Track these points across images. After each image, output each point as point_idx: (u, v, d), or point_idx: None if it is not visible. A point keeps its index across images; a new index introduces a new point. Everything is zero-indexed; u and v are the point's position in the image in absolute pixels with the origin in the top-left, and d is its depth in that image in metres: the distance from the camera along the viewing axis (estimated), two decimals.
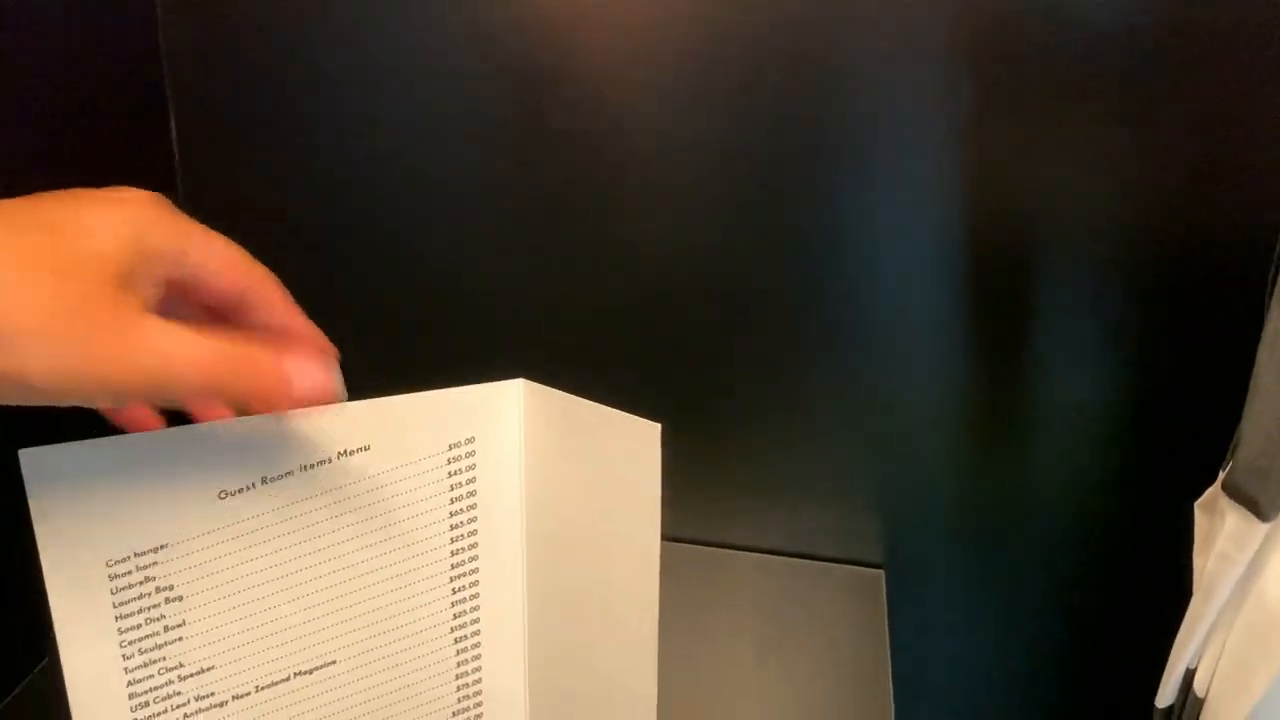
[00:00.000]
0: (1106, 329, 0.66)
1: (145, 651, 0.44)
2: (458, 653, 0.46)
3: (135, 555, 0.43)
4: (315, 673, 0.46)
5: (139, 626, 0.44)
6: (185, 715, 0.45)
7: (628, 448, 0.47)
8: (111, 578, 0.43)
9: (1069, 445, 0.69)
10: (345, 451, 0.43)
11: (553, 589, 0.46)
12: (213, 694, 0.45)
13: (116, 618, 0.43)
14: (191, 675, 0.45)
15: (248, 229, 0.42)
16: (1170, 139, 0.62)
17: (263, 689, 0.45)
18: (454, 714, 0.47)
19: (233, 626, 0.44)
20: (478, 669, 0.47)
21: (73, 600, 0.43)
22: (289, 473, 0.43)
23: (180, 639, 0.44)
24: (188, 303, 0.38)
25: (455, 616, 0.46)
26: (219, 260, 0.38)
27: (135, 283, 0.34)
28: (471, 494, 0.44)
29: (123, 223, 0.35)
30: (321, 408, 0.42)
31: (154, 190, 0.37)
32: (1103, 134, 0.63)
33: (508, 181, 0.71)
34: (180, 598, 0.44)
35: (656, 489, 0.41)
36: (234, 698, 0.45)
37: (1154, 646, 0.58)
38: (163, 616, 0.44)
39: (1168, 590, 0.59)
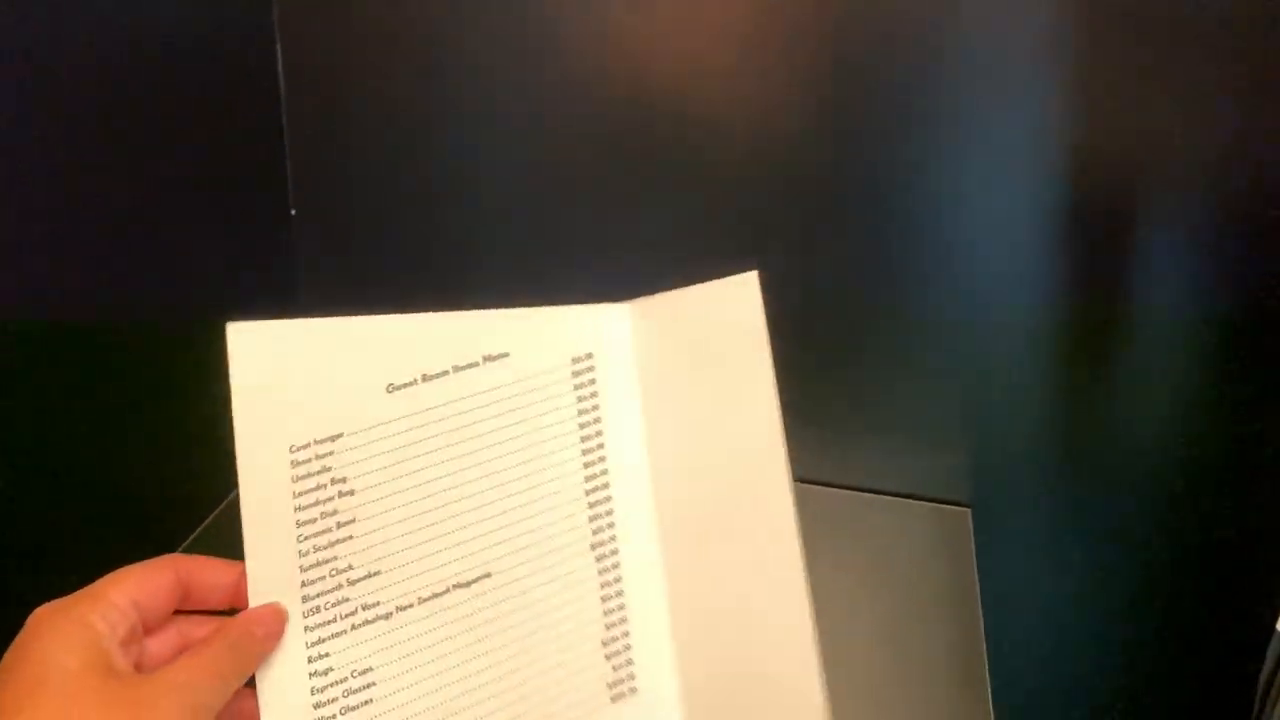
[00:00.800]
0: (1209, 273, 0.65)
1: (319, 550, 0.45)
2: (600, 573, 0.50)
3: (315, 442, 0.46)
4: (472, 585, 0.47)
5: (314, 521, 0.45)
6: (353, 626, 0.45)
7: (732, 321, 0.50)
8: (294, 464, 0.45)
9: (1164, 387, 0.68)
10: (489, 356, 0.50)
11: (682, 498, 0.50)
12: (378, 603, 0.46)
13: (295, 509, 0.45)
14: (359, 580, 0.46)
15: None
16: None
17: (424, 601, 0.46)
18: (605, 633, 0.49)
19: (397, 529, 0.47)
20: (618, 581, 0.50)
21: (259, 487, 0.44)
22: (444, 372, 0.49)
23: (350, 538, 0.46)
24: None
25: (594, 533, 0.50)
26: (142, 593, 0.40)
27: (110, 655, 0.37)
28: (596, 407, 0.52)
29: (56, 633, 0.37)
30: (462, 313, 0.50)
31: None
32: (1213, 78, 0.61)
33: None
34: (351, 492, 0.46)
35: (763, 337, 0.50)
36: (398, 609, 0.46)
37: (1258, 583, 0.61)
38: (335, 511, 0.46)
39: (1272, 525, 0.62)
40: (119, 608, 0.38)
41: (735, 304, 0.49)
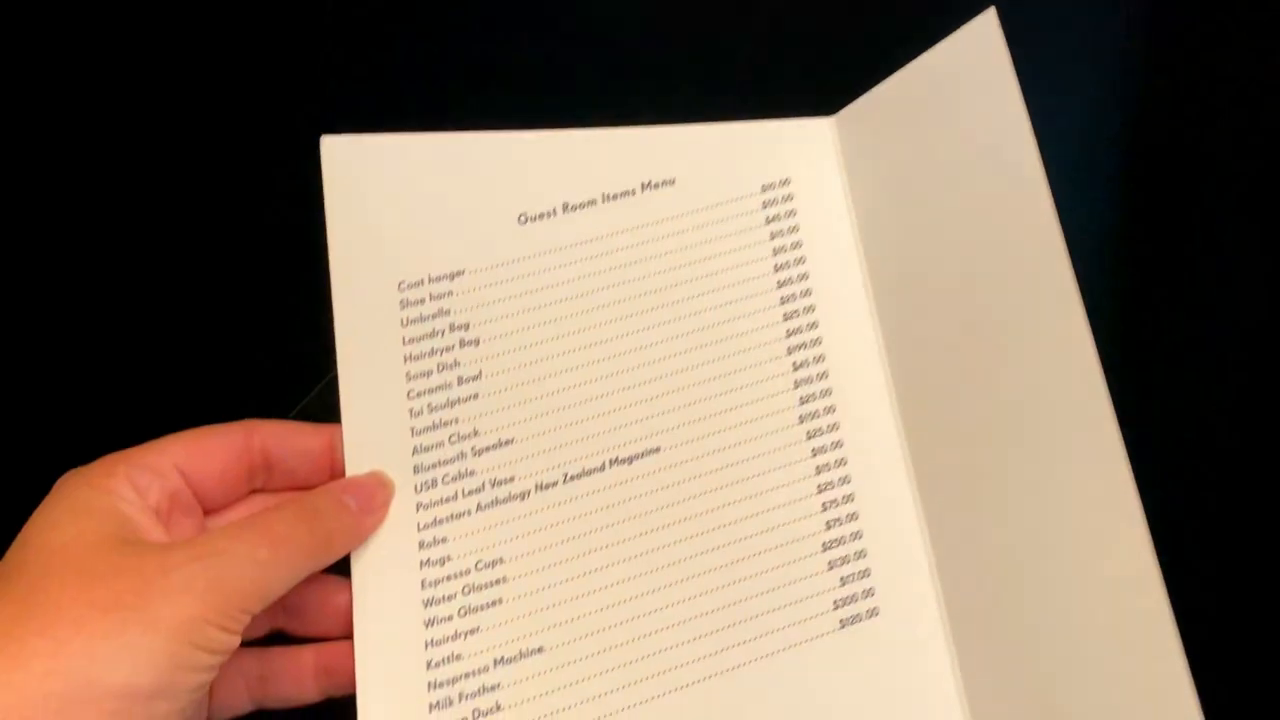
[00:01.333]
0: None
1: (435, 410, 0.35)
2: (814, 453, 0.36)
3: (430, 280, 0.36)
4: (635, 462, 0.36)
5: (429, 374, 0.35)
6: (478, 504, 0.34)
7: (972, 91, 0.35)
8: (403, 304, 0.36)
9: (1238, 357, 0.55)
10: (650, 184, 0.39)
11: (927, 357, 0.37)
12: (512, 479, 0.35)
13: (405, 358, 0.35)
14: (488, 449, 0.35)
15: None
16: None
17: (572, 479, 0.35)
18: (826, 533, 0.35)
19: (534, 388, 0.36)
20: (841, 465, 0.36)
21: (359, 327, 0.35)
22: (591, 201, 0.39)
23: (475, 397, 0.35)
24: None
25: (802, 402, 0.37)
26: (200, 452, 0.32)
27: (135, 524, 0.29)
28: (796, 245, 0.39)
29: (73, 499, 0.29)
30: (611, 130, 0.40)
31: None
32: None
33: None
34: (476, 341, 0.36)
35: (1019, 105, 0.35)
36: (538, 488, 0.35)
37: None
38: (456, 364, 0.36)
39: None
40: (155, 470, 0.30)
41: (972, 67, 0.35)
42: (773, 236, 0.38)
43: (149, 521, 0.29)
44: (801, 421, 0.36)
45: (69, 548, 0.27)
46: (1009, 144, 0.33)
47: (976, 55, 0.35)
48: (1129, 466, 0.30)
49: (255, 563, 0.28)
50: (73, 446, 0.32)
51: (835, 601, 0.34)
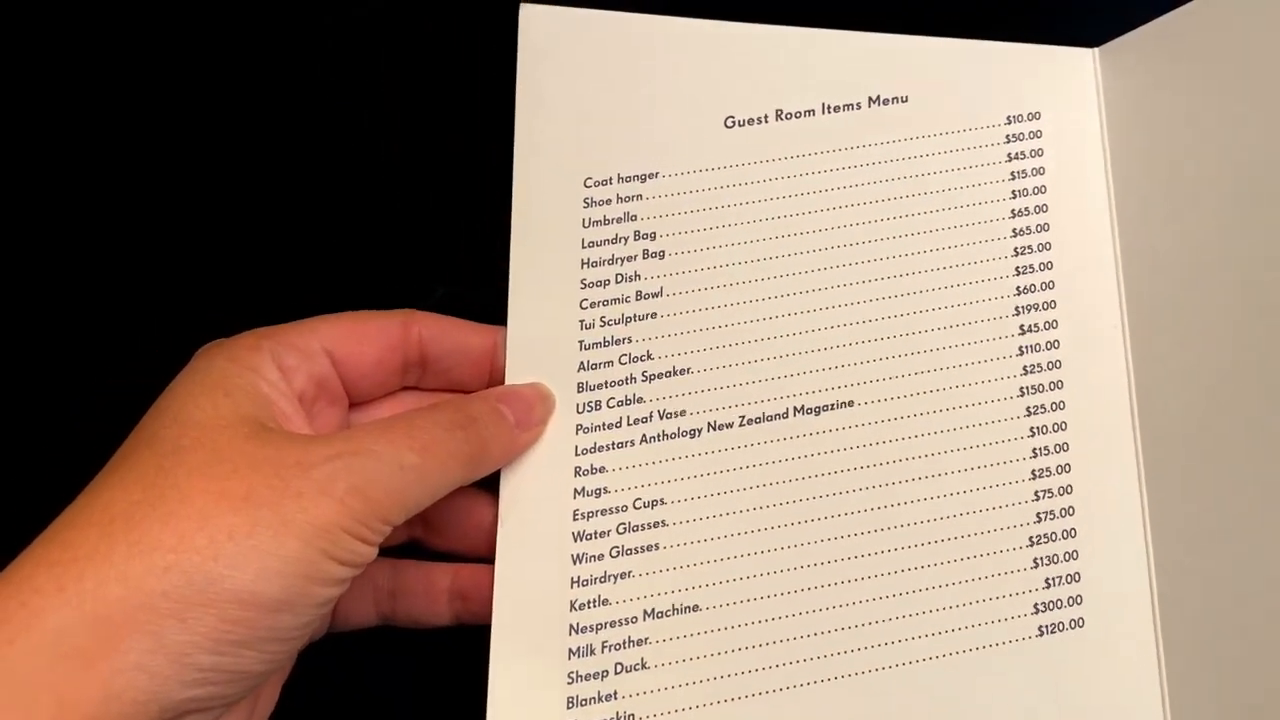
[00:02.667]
0: None
1: (609, 324, 0.31)
2: (1031, 433, 0.31)
3: (620, 179, 0.32)
4: (822, 414, 0.31)
5: (606, 284, 0.31)
6: (643, 436, 0.30)
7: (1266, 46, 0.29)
8: (587, 203, 0.32)
9: None
10: (878, 99, 0.34)
11: (1172, 332, 0.31)
12: (683, 413, 0.31)
13: (583, 263, 0.32)
14: (660, 376, 0.31)
15: None
16: None
17: (750, 423, 0.31)
18: (1034, 528, 0.30)
19: (720, 315, 0.31)
20: (1061, 450, 0.31)
21: (537, 222, 0.32)
22: (809, 111, 0.34)
23: (653, 315, 0.31)
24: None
25: (1025, 372, 0.32)
26: (355, 337, 0.29)
27: (276, 408, 0.26)
28: (1040, 189, 0.33)
29: (212, 373, 0.26)
30: (840, 33, 0.34)
31: None
32: None
33: None
34: (662, 254, 0.32)
35: None
36: (710, 427, 0.30)
37: None
38: (637, 275, 0.32)
39: None
40: (303, 351, 0.27)
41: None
42: (1013, 177, 0.33)
43: (291, 407, 0.26)
44: (1023, 395, 0.31)
45: (204, 427, 0.24)
46: None
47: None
48: None
49: (402, 468, 0.25)
50: (217, 320, 0.29)
51: (1037, 605, 0.29)
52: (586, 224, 0.32)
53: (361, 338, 0.28)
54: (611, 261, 0.32)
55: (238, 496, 0.23)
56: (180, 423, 0.24)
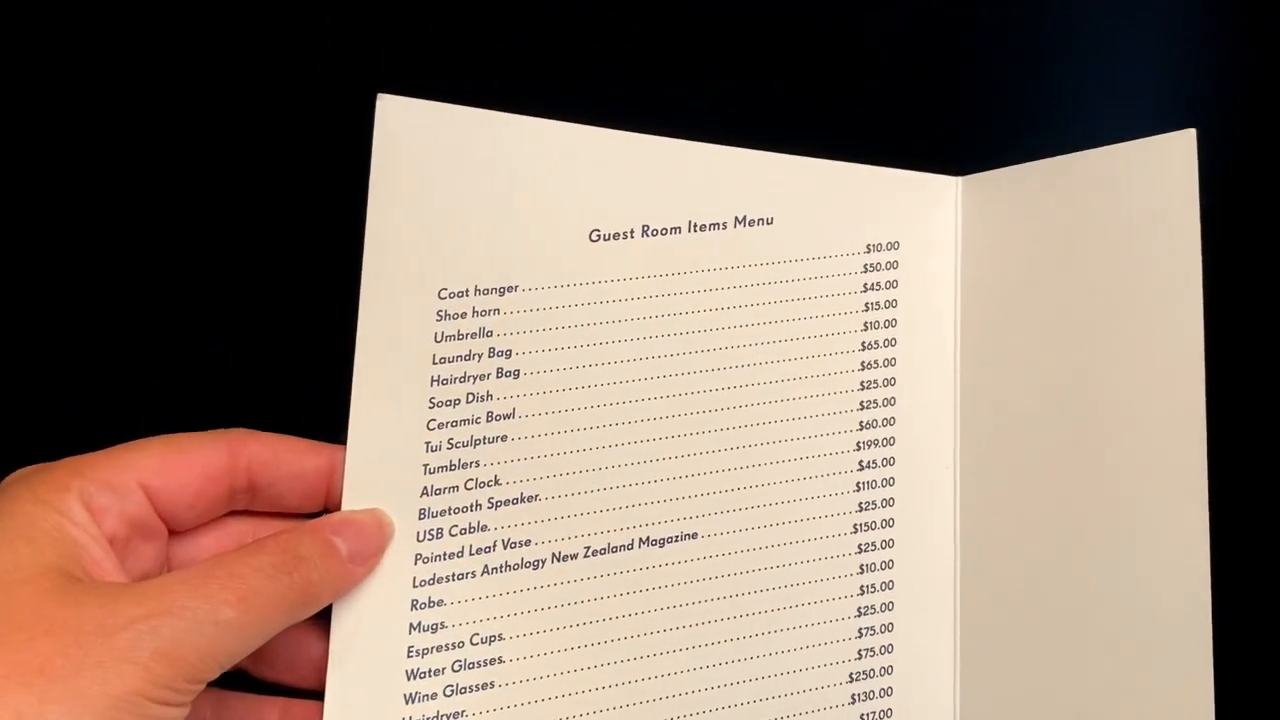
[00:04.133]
0: None
1: (456, 446, 0.30)
2: (861, 570, 0.32)
3: (477, 292, 0.31)
4: (667, 546, 0.31)
5: (456, 403, 0.30)
6: (485, 566, 0.30)
7: (1143, 209, 0.30)
8: (440, 316, 0.31)
9: None
10: (744, 219, 0.34)
11: (1008, 492, 0.32)
12: (528, 542, 0.30)
13: (432, 380, 0.30)
14: (507, 503, 0.30)
15: None
16: None
17: (595, 554, 0.30)
18: (855, 664, 0.32)
19: (571, 440, 0.31)
20: (888, 609, 0.32)
21: (385, 335, 0.30)
22: (676, 228, 0.33)
23: (503, 438, 0.31)
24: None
25: (860, 509, 0.33)
26: (169, 467, 0.27)
27: (83, 553, 0.24)
28: (891, 323, 0.34)
29: (14, 516, 0.24)
30: (719, 151, 0.34)
31: None
32: None
33: None
34: (516, 373, 0.31)
35: (1194, 241, 0.30)
36: (555, 558, 0.30)
37: None
38: (489, 396, 0.31)
39: None
40: (116, 489, 0.25)
41: (1156, 180, 0.30)
42: (867, 308, 0.34)
43: (101, 551, 0.24)
44: (855, 531, 0.32)
45: (1, 583, 0.22)
46: (1174, 270, 0.29)
47: (1163, 169, 0.30)
48: None
49: (216, 624, 0.23)
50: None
51: None
52: (439, 338, 0.31)
53: (181, 469, 0.26)
54: (464, 379, 0.30)
55: (32, 670, 0.21)
56: None
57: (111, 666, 0.22)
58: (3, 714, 0.21)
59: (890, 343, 0.33)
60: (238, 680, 0.29)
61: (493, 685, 0.29)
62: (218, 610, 0.23)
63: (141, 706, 0.22)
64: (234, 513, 0.28)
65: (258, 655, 0.28)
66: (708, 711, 0.30)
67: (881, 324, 0.33)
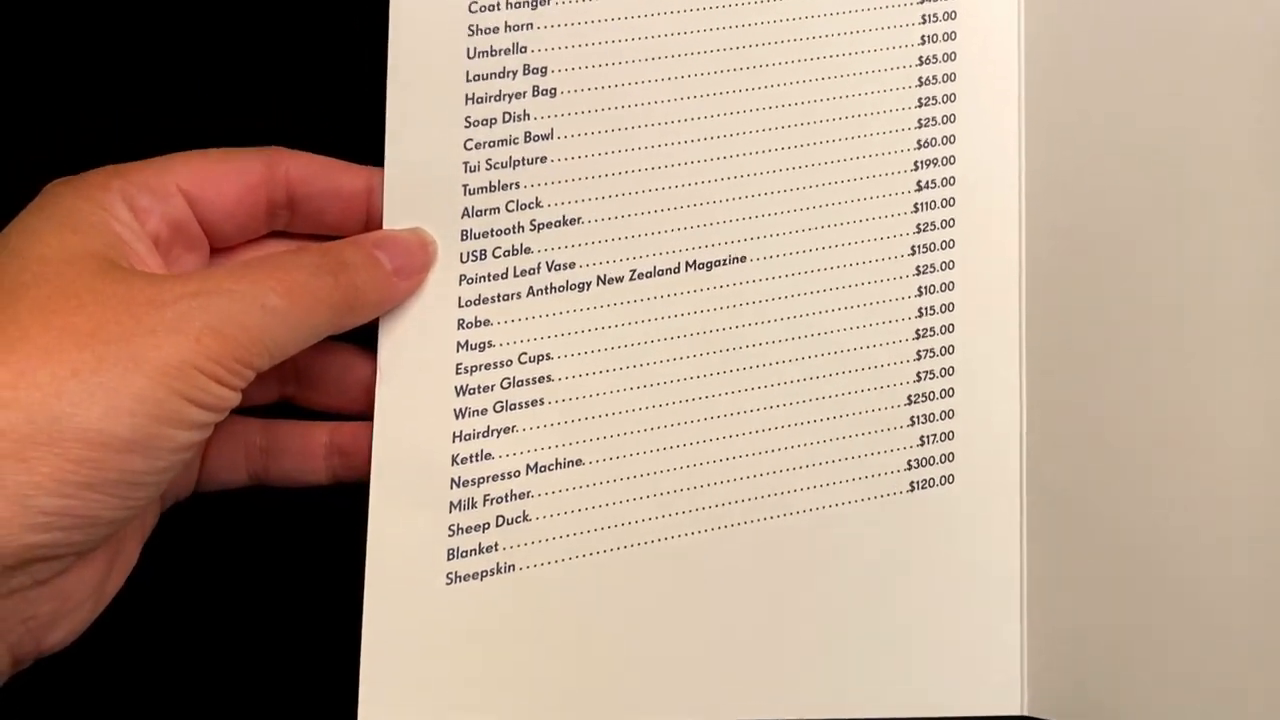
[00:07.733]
0: None
1: (495, 167, 0.29)
2: (919, 292, 0.31)
3: (508, 5, 0.29)
4: (714, 270, 0.30)
5: (493, 123, 0.29)
6: (531, 289, 0.29)
7: None
8: (472, 31, 0.29)
9: None
10: None
11: (1068, 208, 0.31)
12: (572, 264, 0.29)
13: (467, 98, 0.29)
14: (549, 225, 0.29)
15: None
16: None
17: (640, 277, 0.29)
18: (913, 386, 0.30)
19: (613, 162, 0.30)
20: (947, 310, 0.31)
21: (416, 51, 0.29)
22: None
23: (543, 159, 0.29)
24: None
25: (919, 230, 0.31)
26: (206, 174, 0.26)
27: (128, 248, 0.24)
28: (950, 36, 0.32)
29: (60, 209, 0.24)
30: None
31: None
32: None
33: None
34: (553, 91, 0.30)
35: None
36: (600, 280, 0.29)
37: None
38: (526, 115, 0.29)
39: None
40: (156, 191, 0.25)
41: None
42: (924, 20, 0.32)
43: (145, 249, 0.24)
44: (913, 253, 0.31)
45: (48, 262, 0.22)
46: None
47: None
48: None
49: (264, 309, 0.23)
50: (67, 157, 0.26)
51: (910, 461, 0.30)
52: (471, 54, 0.29)
53: (221, 176, 0.26)
54: (499, 98, 0.29)
55: (84, 333, 0.22)
56: (22, 257, 0.23)
57: (164, 335, 0.22)
58: (59, 370, 0.21)
59: (950, 56, 0.31)
60: (288, 413, 0.29)
61: (542, 402, 0.29)
62: (265, 296, 0.23)
63: (193, 378, 0.22)
64: (275, 234, 0.28)
65: (308, 381, 0.28)
66: (759, 431, 0.30)
67: (940, 37, 0.31)
